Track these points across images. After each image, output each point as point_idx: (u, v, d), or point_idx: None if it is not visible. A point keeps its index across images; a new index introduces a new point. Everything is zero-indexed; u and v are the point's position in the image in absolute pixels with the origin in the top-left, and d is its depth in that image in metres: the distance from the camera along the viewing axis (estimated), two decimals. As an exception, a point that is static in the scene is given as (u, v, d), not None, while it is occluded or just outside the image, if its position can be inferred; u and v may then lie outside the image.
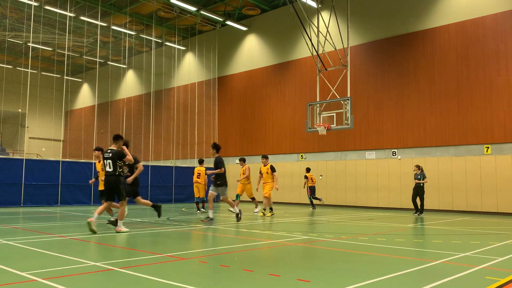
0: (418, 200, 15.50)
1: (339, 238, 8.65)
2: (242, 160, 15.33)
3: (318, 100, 17.61)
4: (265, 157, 14.51)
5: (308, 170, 18.76)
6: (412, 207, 16.10)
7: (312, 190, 18.59)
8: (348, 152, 21.15)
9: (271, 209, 14.27)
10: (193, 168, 23.81)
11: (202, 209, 15.37)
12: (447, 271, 5.41)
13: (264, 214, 13.89)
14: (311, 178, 18.61)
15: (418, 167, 15.43)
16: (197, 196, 15.57)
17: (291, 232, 9.58)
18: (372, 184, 20.03)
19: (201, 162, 16.10)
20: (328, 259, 6.25)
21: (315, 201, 18.75)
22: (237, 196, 14.83)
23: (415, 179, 15.39)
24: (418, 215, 15.36)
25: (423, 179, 15.20)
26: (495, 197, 16.78)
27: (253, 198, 15.11)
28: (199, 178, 15.47)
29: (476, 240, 8.61)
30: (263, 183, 14.29)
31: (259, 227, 10.73)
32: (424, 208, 15.73)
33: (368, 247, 7.45)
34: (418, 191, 15.31)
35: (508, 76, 16.89)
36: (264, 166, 14.38)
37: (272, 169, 14.18)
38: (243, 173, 14.80)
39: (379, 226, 11.47)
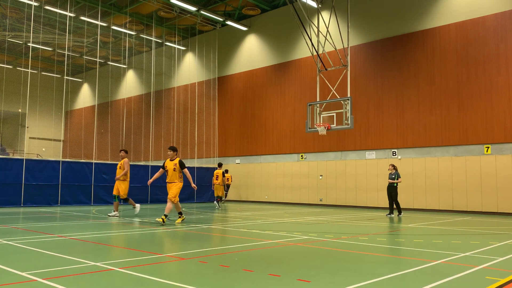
0: (401, 201, 14.96)
1: (339, 238, 8.65)
2: (124, 151, 13.38)
3: (318, 100, 17.60)
4: (173, 149, 11.35)
5: (226, 171, 22.18)
6: (414, 207, 16.04)
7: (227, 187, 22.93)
8: (348, 152, 21.15)
9: (180, 213, 11.52)
10: (193, 168, 24.11)
11: (218, 206, 18.26)
12: (447, 271, 5.41)
13: (164, 221, 10.79)
14: (228, 178, 22.94)
15: (393, 166, 14.95)
16: (216, 195, 18.63)
17: (291, 232, 9.58)
18: (372, 184, 20.02)
19: (220, 165, 18.85)
20: (328, 259, 6.25)
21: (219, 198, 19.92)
22: (115, 197, 13.09)
23: (389, 178, 14.86)
24: (388, 215, 14.74)
25: (397, 179, 14.70)
26: (495, 197, 16.78)
27: (126, 199, 13.12)
28: (217, 180, 18.34)
29: (476, 240, 8.61)
30: (168, 182, 11.25)
31: (259, 227, 10.73)
32: (403, 207, 15.15)
33: (368, 247, 7.45)
34: (391, 191, 14.78)
35: (508, 76, 16.89)
36: (171, 160, 11.25)
37: (182, 165, 11.18)
38: (119, 167, 13.05)
39: (379, 226, 11.46)
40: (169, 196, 11.15)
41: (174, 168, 11.10)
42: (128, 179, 13.15)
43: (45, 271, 5.01)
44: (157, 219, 10.99)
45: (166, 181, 11.31)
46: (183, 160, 11.45)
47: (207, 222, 12.20)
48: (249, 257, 6.28)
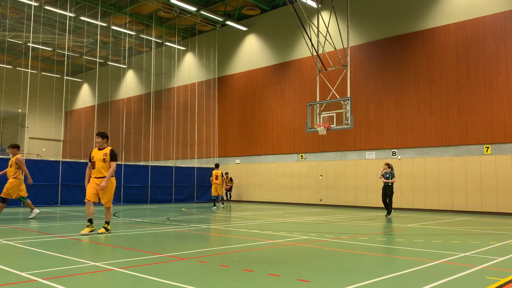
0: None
1: (339, 238, 8.65)
2: (13, 147, 11.66)
3: (318, 100, 17.60)
4: (102, 135, 8.89)
5: (226, 173, 21.69)
6: (414, 207, 16.01)
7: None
8: (348, 152, 21.15)
9: (90, 220, 8.67)
10: (193, 168, 24.18)
11: (222, 206, 18.62)
12: (447, 271, 5.41)
13: (108, 230, 8.73)
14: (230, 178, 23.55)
15: (388, 165, 14.60)
16: (214, 195, 18.64)
17: (291, 232, 9.58)
18: (372, 184, 20.02)
19: (217, 166, 19.13)
20: (328, 259, 6.25)
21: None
22: (22, 198, 11.59)
23: (384, 178, 14.49)
24: (387, 216, 14.44)
25: (391, 178, 14.35)
26: (495, 197, 16.78)
27: (23, 198, 11.67)
28: (217, 179, 18.51)
29: (476, 240, 8.61)
30: (95, 177, 8.72)
31: (259, 227, 10.73)
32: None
33: (368, 247, 7.45)
34: (387, 190, 14.41)
35: (508, 76, 16.89)
36: (100, 149, 8.84)
37: (113, 156, 8.74)
38: (10, 166, 11.40)
39: (379, 226, 11.47)
40: (104, 201, 8.70)
41: (104, 158, 8.65)
42: (22, 178, 11.50)
43: (45, 271, 5.01)
44: (99, 231, 8.62)
45: (93, 176, 8.73)
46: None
47: (207, 222, 12.21)
48: (249, 257, 6.28)
